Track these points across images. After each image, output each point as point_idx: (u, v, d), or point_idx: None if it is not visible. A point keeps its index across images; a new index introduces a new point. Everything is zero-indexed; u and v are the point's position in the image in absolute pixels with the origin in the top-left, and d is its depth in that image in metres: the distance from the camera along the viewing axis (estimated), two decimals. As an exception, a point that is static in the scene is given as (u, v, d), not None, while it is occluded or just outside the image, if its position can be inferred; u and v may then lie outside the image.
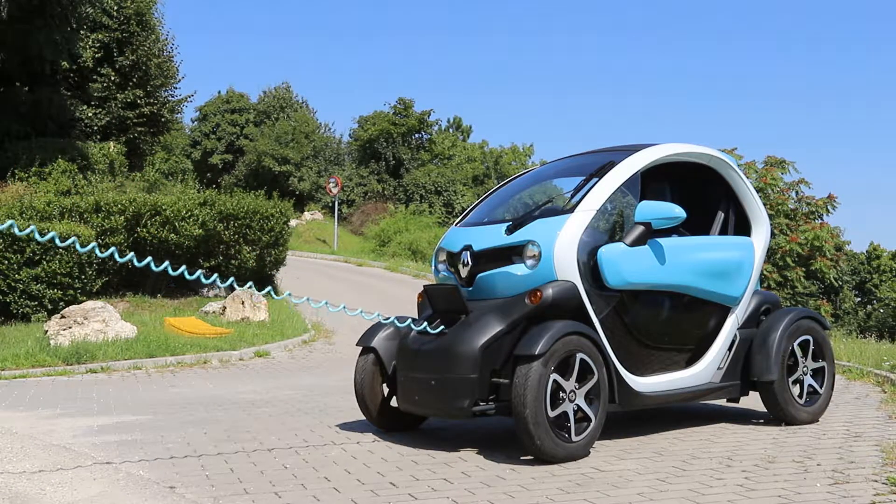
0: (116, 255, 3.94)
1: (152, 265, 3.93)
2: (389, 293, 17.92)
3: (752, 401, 5.76)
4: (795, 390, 5.46)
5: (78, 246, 3.87)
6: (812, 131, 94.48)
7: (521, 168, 45.97)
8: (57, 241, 3.72)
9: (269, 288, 4.54)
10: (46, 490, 3.87)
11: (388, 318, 5.09)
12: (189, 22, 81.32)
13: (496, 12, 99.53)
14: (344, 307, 4.89)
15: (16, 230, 3.49)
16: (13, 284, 11.31)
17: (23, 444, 4.90)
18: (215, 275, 4.14)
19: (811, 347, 5.57)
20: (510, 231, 4.93)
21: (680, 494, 3.79)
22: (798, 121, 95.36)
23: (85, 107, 23.84)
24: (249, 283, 4.45)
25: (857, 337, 15.97)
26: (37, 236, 3.66)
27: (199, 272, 4.03)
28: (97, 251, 3.87)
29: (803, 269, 18.59)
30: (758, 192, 10.43)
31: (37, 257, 11.47)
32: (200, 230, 13.82)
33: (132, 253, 4.17)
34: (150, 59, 24.93)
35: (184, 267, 4.12)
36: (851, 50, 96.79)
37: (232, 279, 4.24)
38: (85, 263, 11.95)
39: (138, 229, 13.39)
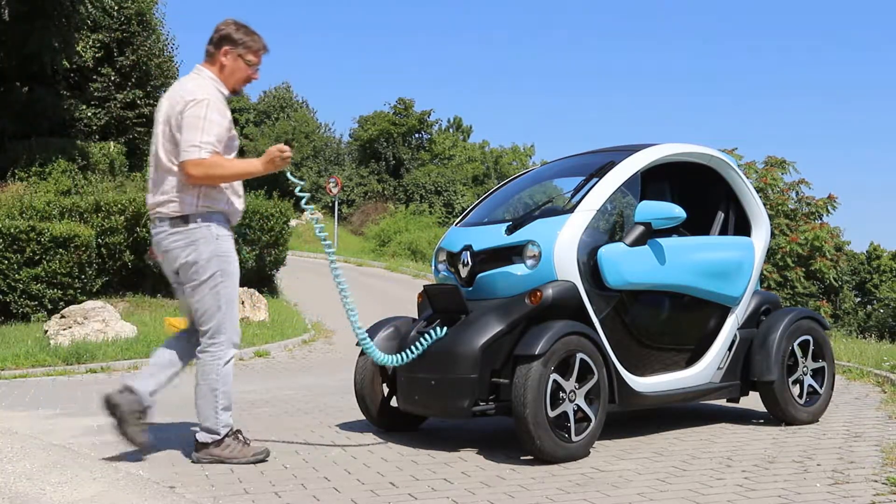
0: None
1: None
2: (389, 293, 17.93)
3: (752, 401, 5.75)
4: (795, 390, 5.46)
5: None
6: (812, 131, 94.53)
7: (521, 168, 45.97)
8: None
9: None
10: (46, 490, 3.87)
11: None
12: (189, 22, 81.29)
13: (496, 12, 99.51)
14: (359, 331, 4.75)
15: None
16: (13, 284, 11.31)
17: (23, 444, 4.90)
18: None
19: (811, 347, 5.57)
20: (510, 231, 4.93)
21: (680, 494, 3.79)
22: (798, 121, 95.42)
23: (84, 107, 23.83)
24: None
25: (857, 337, 16.00)
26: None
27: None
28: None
29: (803, 269, 18.59)
30: (758, 192, 10.42)
31: (37, 257, 11.47)
32: (200, 230, 13.81)
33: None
34: (151, 59, 24.92)
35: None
36: (852, 49, 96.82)
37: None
38: (85, 263, 11.95)
39: (138, 229, 13.39)
